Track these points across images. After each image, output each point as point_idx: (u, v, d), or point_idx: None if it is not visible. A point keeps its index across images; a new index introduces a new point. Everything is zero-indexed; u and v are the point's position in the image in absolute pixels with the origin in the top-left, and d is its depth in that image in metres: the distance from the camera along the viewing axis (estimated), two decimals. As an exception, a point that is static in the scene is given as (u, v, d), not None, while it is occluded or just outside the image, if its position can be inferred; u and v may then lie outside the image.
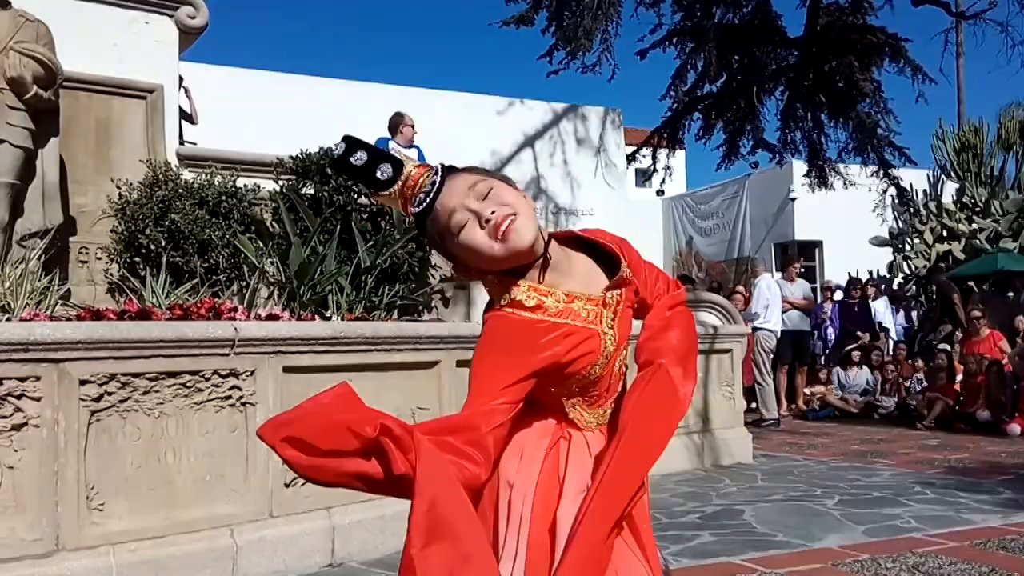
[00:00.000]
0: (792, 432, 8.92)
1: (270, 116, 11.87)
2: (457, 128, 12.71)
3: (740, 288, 10.16)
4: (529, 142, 14.94)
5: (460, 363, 4.50)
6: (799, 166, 12.50)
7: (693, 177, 25.74)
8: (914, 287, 14.81)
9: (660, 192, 13.31)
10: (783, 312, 9.71)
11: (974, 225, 15.47)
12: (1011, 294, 12.23)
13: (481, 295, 5.89)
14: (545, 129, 15.17)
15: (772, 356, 9.45)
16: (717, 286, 11.12)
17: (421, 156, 6.69)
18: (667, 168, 10.89)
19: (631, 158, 11.38)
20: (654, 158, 10.97)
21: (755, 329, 9.31)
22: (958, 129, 17.73)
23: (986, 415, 8.67)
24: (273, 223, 5.02)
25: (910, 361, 10.59)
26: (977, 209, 16.02)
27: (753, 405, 9.35)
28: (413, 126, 6.77)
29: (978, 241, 15.14)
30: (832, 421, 9.96)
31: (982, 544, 4.07)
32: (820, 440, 8.24)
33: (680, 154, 16.52)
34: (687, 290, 7.90)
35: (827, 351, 11.51)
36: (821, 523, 4.59)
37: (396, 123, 6.79)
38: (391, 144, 6.58)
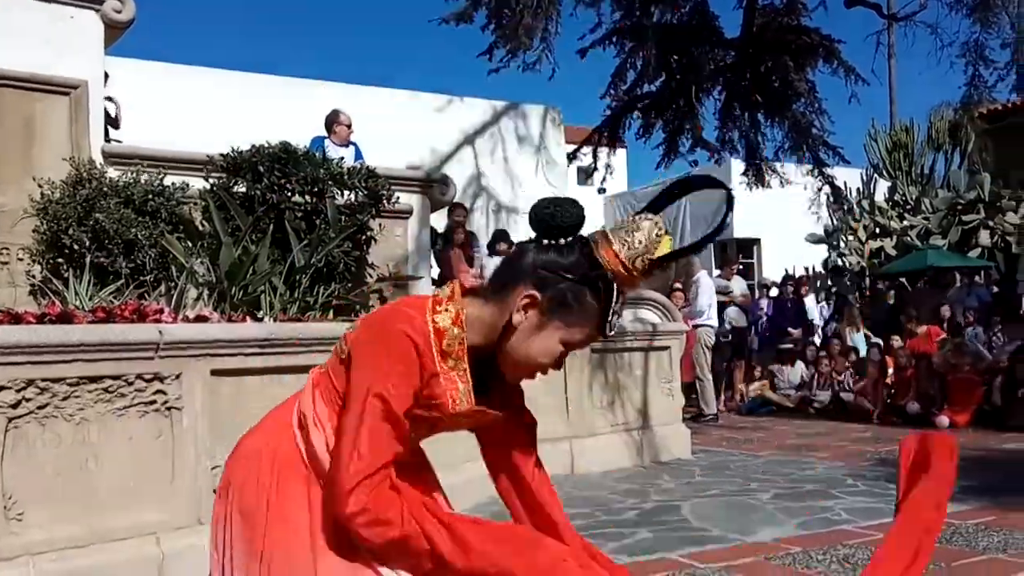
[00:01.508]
0: (730, 427, 9.06)
1: (202, 113, 11.62)
2: (397, 126, 12.60)
3: (679, 285, 10.27)
4: (469, 140, 14.89)
5: (396, 363, 4.45)
6: (737, 165, 12.67)
7: (634, 175, 26.00)
8: (847, 283, 15.16)
9: (602, 190, 13.34)
10: (723, 309, 9.86)
11: (905, 222, 15.90)
12: (951, 290, 12.60)
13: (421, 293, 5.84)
14: (485, 127, 15.14)
15: (712, 352, 9.59)
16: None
17: (358, 154, 6.62)
18: (608, 166, 10.94)
19: (572, 156, 11.42)
20: (595, 156, 11.03)
21: (697, 326, 9.43)
22: (890, 129, 18.22)
23: (916, 408, 8.90)
24: (203, 222, 4.90)
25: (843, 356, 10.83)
26: (908, 207, 16.48)
27: (693, 397, 9.48)
28: (349, 125, 6.68)
29: (909, 238, 15.56)
30: (769, 416, 10.14)
31: (910, 535, 4.15)
32: (757, 435, 8.37)
33: (621, 152, 16.62)
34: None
35: (761, 347, 11.71)
36: (756, 517, 4.65)
37: (331, 121, 6.71)
38: (327, 143, 6.50)
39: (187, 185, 5.02)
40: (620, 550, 4.03)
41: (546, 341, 1.47)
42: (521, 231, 12.81)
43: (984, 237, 15.83)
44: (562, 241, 1.47)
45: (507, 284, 1.48)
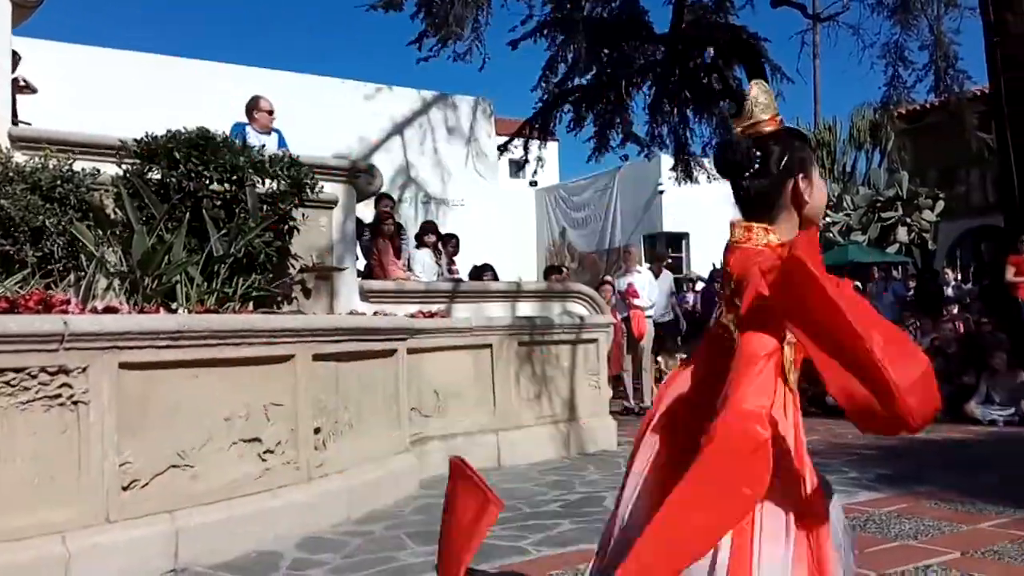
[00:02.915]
0: (657, 419, 9.16)
1: (116, 97, 11.25)
2: (323, 113, 12.41)
3: (609, 279, 10.36)
4: (398, 130, 14.72)
5: (317, 357, 4.37)
6: (667, 159, 12.83)
7: (566, 168, 26.12)
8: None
9: (533, 183, 13.40)
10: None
11: (828, 219, 16.34)
12: (869, 284, 12.94)
13: (345, 287, 5.74)
14: (415, 117, 14.99)
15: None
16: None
17: (282, 142, 6.46)
18: (539, 159, 10.97)
19: (503, 148, 11.40)
20: (526, 149, 11.03)
21: (646, 318, 9.56)
22: (814, 127, 18.71)
23: (834, 399, 9.12)
24: (115, 210, 4.72)
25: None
26: (830, 203, 16.94)
27: (621, 390, 9.57)
28: (271, 111, 6.52)
29: (831, 234, 16.01)
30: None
31: (826, 522, 4.24)
32: (683, 426, 8.48)
33: (553, 145, 16.67)
34: (555, 279, 7.89)
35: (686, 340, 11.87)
36: (678, 507, 4.69)
37: (252, 107, 6.53)
38: (248, 129, 6.33)
39: (98, 171, 4.83)
40: (543, 542, 4.03)
41: (820, 188, 2.01)
42: (450, 223, 12.76)
43: (902, 233, 16.40)
44: (757, 153, 1.99)
45: (773, 196, 1.98)
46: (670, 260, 14.71)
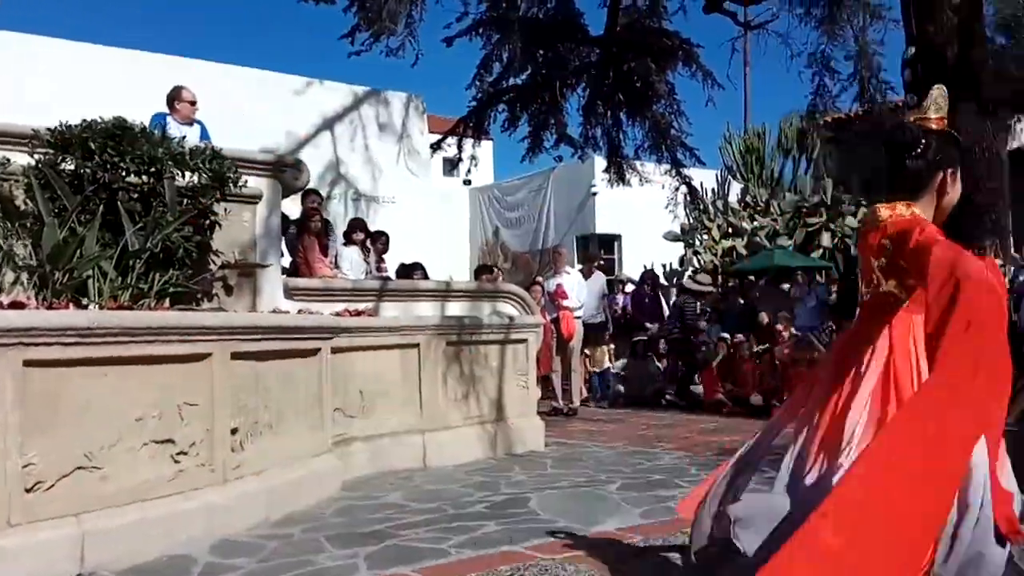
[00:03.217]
0: (588, 419, 9.22)
1: (29, 84, 10.84)
2: (250, 107, 12.14)
3: (540, 279, 10.38)
4: (328, 125, 14.47)
5: (236, 355, 4.26)
6: (600, 161, 12.89)
7: (501, 168, 26.13)
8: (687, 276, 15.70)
9: (467, 182, 13.31)
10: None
11: (755, 223, 16.65)
12: (785, 287, 13.21)
13: (268, 284, 5.61)
14: (345, 112, 14.76)
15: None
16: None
17: (204, 134, 6.29)
18: (473, 158, 10.90)
19: (436, 146, 11.29)
20: (460, 147, 10.96)
21: (575, 318, 9.60)
22: (744, 133, 19.05)
23: (758, 399, 9.32)
24: (26, 201, 4.52)
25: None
26: (759, 208, 17.26)
27: (551, 390, 9.60)
28: (194, 102, 6.34)
29: (759, 238, 16.30)
30: (624, 408, 10.38)
31: (745, 522, 4.30)
32: (611, 427, 8.55)
33: (487, 145, 16.63)
34: (486, 279, 7.84)
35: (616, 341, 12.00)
36: (603, 507, 4.71)
37: (173, 97, 6.35)
38: (168, 120, 6.15)
39: (8, 160, 4.63)
40: (466, 544, 3.99)
41: (958, 188, 2.50)
42: (381, 220, 12.63)
43: (826, 239, 16.77)
44: (922, 140, 2.47)
45: (923, 179, 2.48)
46: (602, 262, 14.82)
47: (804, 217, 16.93)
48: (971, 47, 10.87)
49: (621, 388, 11.00)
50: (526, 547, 3.91)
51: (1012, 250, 12.00)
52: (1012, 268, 10.52)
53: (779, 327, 10.51)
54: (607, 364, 11.59)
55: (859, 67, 12.18)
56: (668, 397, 10.52)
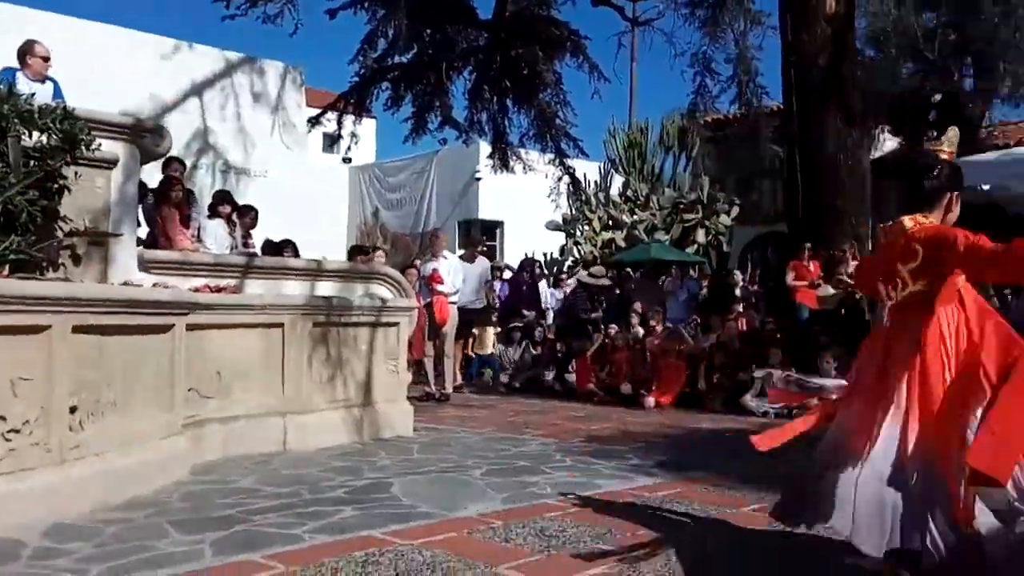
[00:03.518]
0: (460, 405, 9.18)
1: None
2: (113, 67, 11.46)
3: (417, 263, 10.26)
4: (197, 91, 13.81)
5: (79, 328, 3.99)
6: (485, 147, 12.85)
7: (383, 147, 25.74)
8: (581, 270, 15.97)
9: (347, 160, 12.96)
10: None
11: (635, 217, 17.03)
12: (662, 279, 13.55)
13: (121, 255, 5.29)
14: (217, 79, 14.13)
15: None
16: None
17: (57, 92, 5.87)
18: (354, 135, 10.63)
19: (314, 121, 10.94)
20: (340, 124, 10.68)
21: (450, 304, 9.51)
22: (628, 128, 19.42)
23: (628, 388, 9.51)
24: None
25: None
26: (639, 202, 17.66)
27: (423, 375, 9.51)
28: (47, 58, 5.90)
29: (637, 232, 16.68)
30: (497, 394, 10.41)
31: (604, 506, 4.35)
32: (483, 412, 8.54)
33: (370, 123, 16.29)
34: (361, 260, 7.66)
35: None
36: (466, 493, 4.67)
37: (24, 52, 5.88)
38: (18, 76, 5.70)
39: None
40: (321, 529, 3.88)
41: (957, 210, 3.09)
42: (251, 194, 12.16)
43: (701, 235, 17.34)
44: (938, 165, 3.09)
45: (937, 198, 3.06)
46: (484, 248, 14.82)
47: (681, 213, 17.45)
48: (842, 59, 11.44)
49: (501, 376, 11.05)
50: (384, 532, 3.82)
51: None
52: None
53: (652, 319, 10.76)
54: (490, 349, 11.60)
55: (738, 70, 12.57)
56: (547, 383, 10.61)
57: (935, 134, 3.26)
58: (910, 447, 2.81)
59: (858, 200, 11.34)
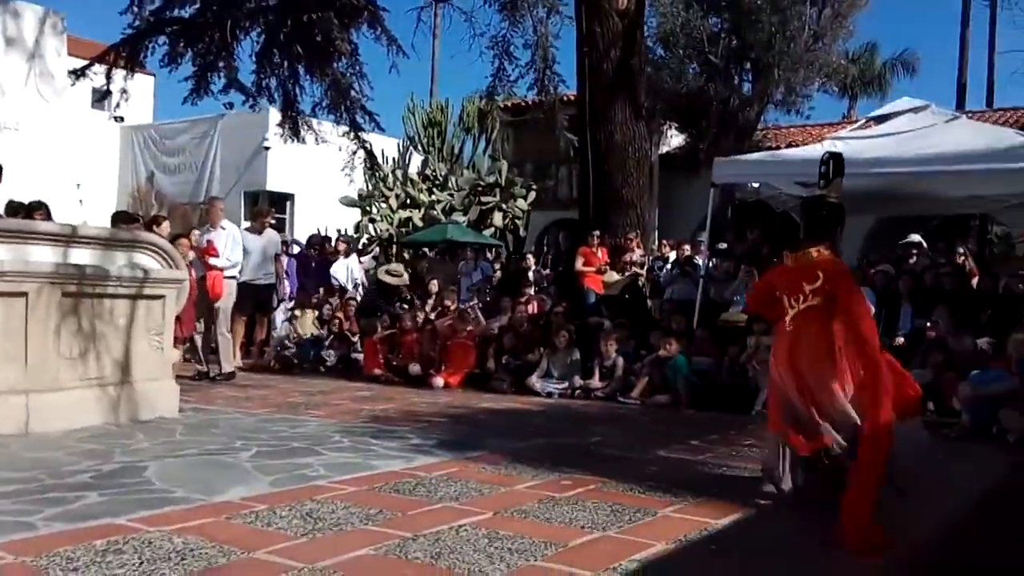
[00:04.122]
0: (235, 385, 8.68)
1: None
2: None
3: (196, 232, 9.59)
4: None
5: None
6: (275, 114, 12.25)
7: (164, 107, 24.06)
8: (377, 248, 15.69)
9: (119, 119, 11.88)
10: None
11: (433, 196, 16.95)
12: (461, 263, 13.54)
13: None
14: (-42, 18, 12.52)
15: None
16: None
17: None
18: (124, 92, 9.75)
19: (78, 73, 9.89)
20: (109, 78, 9.76)
21: (228, 279, 8.90)
22: (429, 107, 19.28)
23: (417, 369, 9.41)
24: None
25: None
26: (437, 182, 17.60)
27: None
28: None
29: (435, 211, 16.62)
30: (277, 374, 9.98)
31: (379, 488, 4.20)
32: (260, 392, 8.13)
33: (148, 80, 15.09)
34: (125, 228, 7.00)
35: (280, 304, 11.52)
36: (229, 476, 4.38)
37: None
38: None
39: None
40: (59, 516, 3.50)
41: (842, 236, 4.31)
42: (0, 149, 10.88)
43: (498, 218, 17.56)
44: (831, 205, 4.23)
45: (830, 230, 4.14)
46: (273, 222, 14.16)
47: (480, 195, 17.58)
48: (632, 54, 11.88)
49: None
50: (131, 519, 3.49)
51: (655, 244, 13.34)
52: (651, 258, 11.66)
53: (446, 299, 10.72)
54: (279, 328, 11.11)
55: (536, 57, 12.73)
56: (328, 363, 10.28)
57: (823, 184, 4.27)
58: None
59: (644, 191, 11.86)
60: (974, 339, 7.36)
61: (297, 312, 11.10)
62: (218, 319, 8.79)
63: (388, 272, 12.06)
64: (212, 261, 8.66)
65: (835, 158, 4.41)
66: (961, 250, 10.18)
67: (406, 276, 11.79)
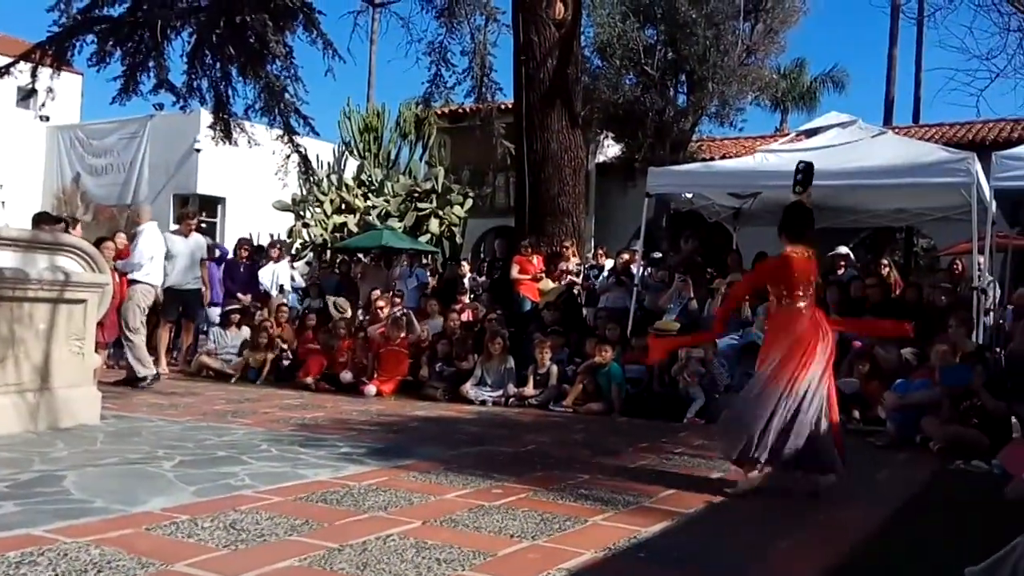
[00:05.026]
0: (160, 392, 8.43)
1: None
2: None
3: (122, 236, 9.31)
4: None
5: None
6: (206, 116, 12.00)
7: (92, 107, 23.38)
8: (311, 253, 15.49)
9: (44, 118, 11.48)
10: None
11: (369, 202, 16.81)
12: (397, 269, 13.44)
13: None
14: None
15: (147, 311, 8.85)
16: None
17: None
18: (50, 91, 9.45)
19: (2, 71, 9.53)
20: (34, 76, 9.44)
21: (133, 282, 8.63)
22: (365, 111, 19.12)
23: (349, 377, 9.29)
24: None
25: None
26: (373, 188, 17.46)
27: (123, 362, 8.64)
28: None
29: (371, 217, 16.48)
30: (206, 380, 9.76)
31: (305, 498, 4.13)
32: (186, 400, 7.93)
33: (75, 79, 14.65)
34: (46, 229, 6.74)
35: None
36: (151, 486, 4.26)
37: None
38: None
39: None
40: (-30, 528, 3.33)
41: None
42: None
43: (434, 225, 17.49)
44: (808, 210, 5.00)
45: (808, 234, 4.86)
46: (204, 225, 13.87)
47: (416, 201, 17.49)
48: (568, 63, 11.97)
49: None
50: (47, 530, 3.37)
51: (591, 252, 13.46)
52: (586, 267, 11.74)
53: (380, 305, 10.63)
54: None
55: (473, 64, 12.75)
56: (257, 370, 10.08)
57: (799, 190, 4.85)
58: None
59: (580, 200, 11.95)
60: (899, 349, 7.58)
61: (227, 318, 10.87)
62: (126, 320, 8.47)
63: (335, 306, 11.87)
64: (118, 264, 8.40)
65: (808, 167, 4.78)
66: (885, 261, 10.51)
67: (349, 312, 11.60)
